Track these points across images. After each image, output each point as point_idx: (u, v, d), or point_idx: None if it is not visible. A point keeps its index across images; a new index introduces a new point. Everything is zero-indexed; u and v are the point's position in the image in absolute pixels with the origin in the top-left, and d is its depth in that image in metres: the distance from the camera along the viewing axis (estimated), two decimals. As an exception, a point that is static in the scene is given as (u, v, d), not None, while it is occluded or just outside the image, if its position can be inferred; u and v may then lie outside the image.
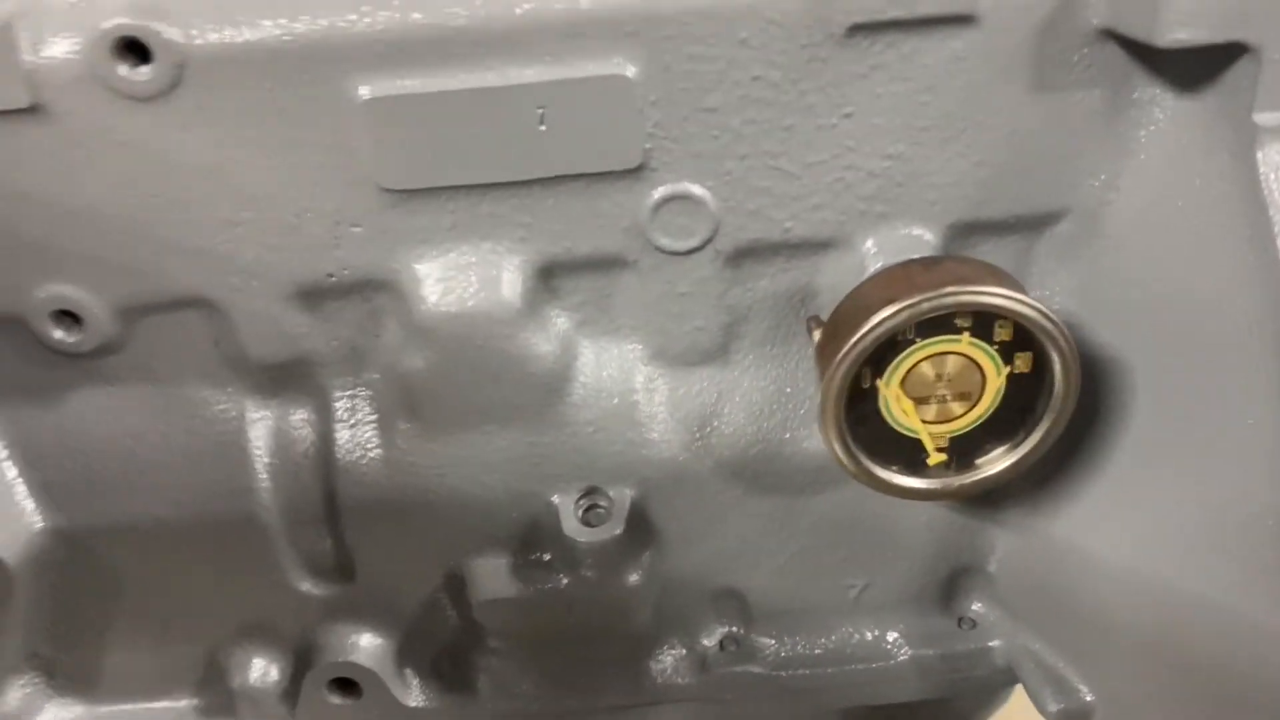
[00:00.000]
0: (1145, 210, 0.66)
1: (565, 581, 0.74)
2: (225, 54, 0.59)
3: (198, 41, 0.59)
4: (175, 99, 0.60)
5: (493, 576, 0.75)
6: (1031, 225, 0.69)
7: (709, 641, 0.81)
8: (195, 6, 0.59)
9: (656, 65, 0.61)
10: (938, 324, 0.60)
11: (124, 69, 0.59)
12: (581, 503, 0.72)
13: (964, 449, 0.64)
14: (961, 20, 0.61)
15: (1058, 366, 0.60)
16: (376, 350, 0.70)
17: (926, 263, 0.61)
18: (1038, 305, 0.58)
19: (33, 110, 0.60)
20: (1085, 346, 0.67)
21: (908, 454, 0.64)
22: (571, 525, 0.72)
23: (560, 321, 0.70)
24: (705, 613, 0.81)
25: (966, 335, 0.60)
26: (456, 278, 0.67)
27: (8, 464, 0.71)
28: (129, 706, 0.80)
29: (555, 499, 0.73)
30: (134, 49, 0.59)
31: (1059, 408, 0.62)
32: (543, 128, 0.62)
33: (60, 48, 0.59)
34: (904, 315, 0.57)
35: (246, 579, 0.75)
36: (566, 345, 0.71)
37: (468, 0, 0.59)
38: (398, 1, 0.59)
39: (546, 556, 0.75)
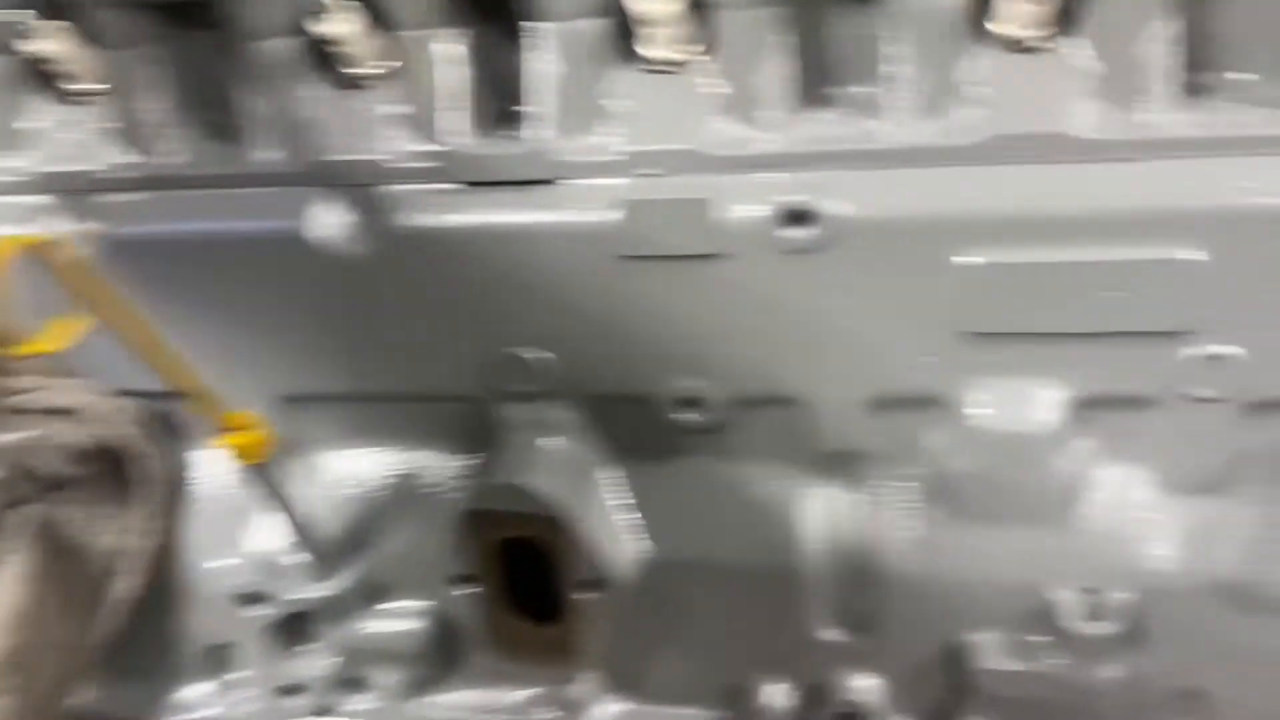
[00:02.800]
0: None
1: (1061, 664, 0.87)
2: (867, 225, 0.79)
3: (849, 214, 0.79)
4: (822, 255, 0.80)
5: (995, 649, 0.89)
6: None
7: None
8: (842, 189, 0.79)
9: (1223, 253, 0.75)
10: None
11: (791, 232, 0.80)
12: (1085, 598, 0.86)
13: None
14: None
15: None
16: (922, 451, 0.88)
17: None
18: None
19: (717, 256, 0.82)
20: None
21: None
22: (1073, 619, 0.85)
23: (1083, 445, 0.85)
24: (1171, 706, 0.91)
25: None
26: (1008, 402, 0.83)
27: (628, 507, 0.94)
28: (669, 710, 1.00)
29: (1057, 594, 0.87)
30: (799, 218, 0.80)
31: None
32: (1108, 294, 0.77)
33: (744, 213, 0.81)
34: None
35: (782, 620, 0.94)
36: (1085, 465, 0.85)
37: (1075, 193, 0.76)
38: (1006, 191, 0.77)
39: (1044, 639, 0.88)
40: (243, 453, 0.87)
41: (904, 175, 0.79)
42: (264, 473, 0.90)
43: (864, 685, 0.95)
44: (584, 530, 0.90)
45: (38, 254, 0.78)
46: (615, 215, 0.83)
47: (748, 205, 0.81)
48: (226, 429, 0.87)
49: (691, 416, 0.89)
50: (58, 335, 0.78)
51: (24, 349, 0.78)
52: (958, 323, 0.81)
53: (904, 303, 0.81)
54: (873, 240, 0.79)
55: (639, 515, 0.95)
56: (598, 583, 0.91)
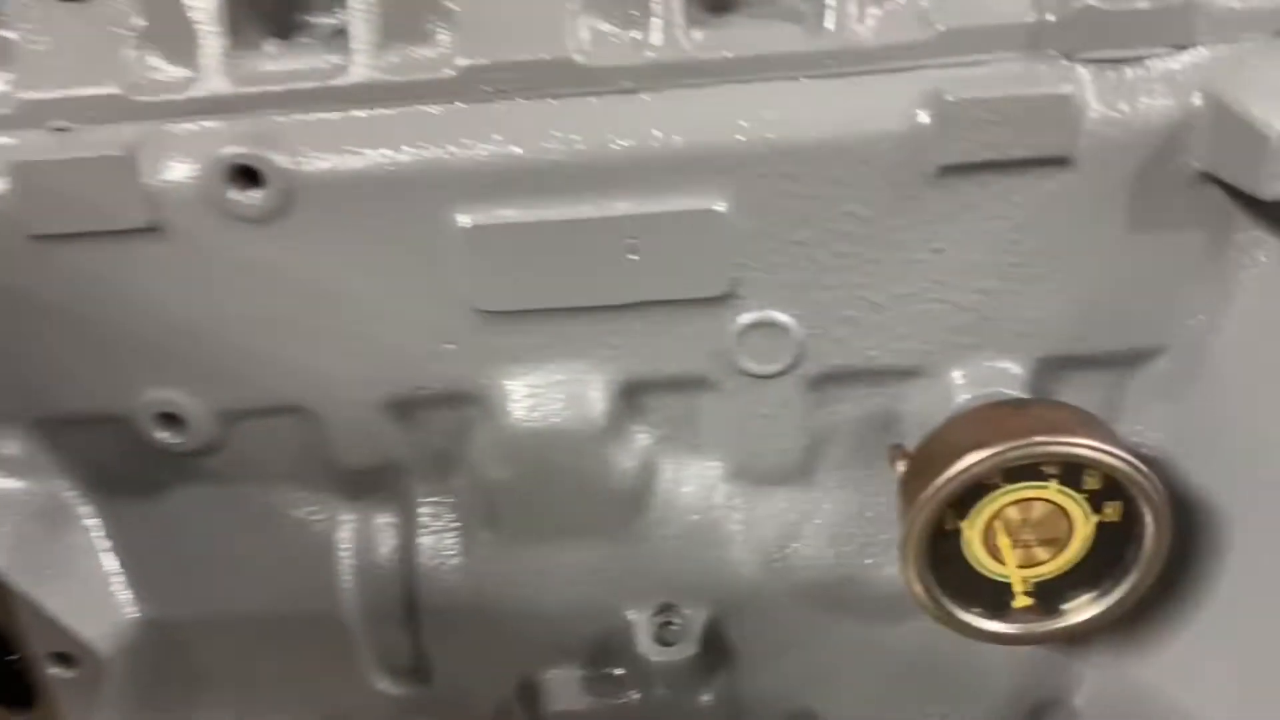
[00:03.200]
0: (1248, 350, 0.64)
1: (637, 698, 0.74)
2: (332, 181, 0.62)
3: (306, 169, 0.62)
4: (284, 222, 0.63)
5: (565, 688, 0.75)
6: (1125, 362, 0.67)
7: (784, 764, 0.81)
8: (306, 137, 0.62)
9: (748, 201, 0.62)
10: (1025, 470, 0.59)
11: (237, 193, 0.62)
12: (656, 619, 0.73)
13: (1049, 594, 0.63)
14: (1056, 162, 0.61)
15: (1149, 518, 0.59)
16: (463, 460, 0.72)
17: (1016, 406, 0.60)
18: (1130, 459, 0.57)
19: (151, 229, 0.63)
20: (1179, 488, 0.66)
21: (990, 596, 0.63)
22: (645, 643, 0.72)
23: (642, 438, 0.71)
24: (780, 733, 0.80)
25: (1054, 483, 0.59)
26: (544, 394, 0.68)
27: (107, 555, 0.74)
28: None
29: (630, 615, 0.73)
30: (247, 175, 0.62)
31: (1149, 560, 0.60)
32: (634, 257, 0.63)
33: (178, 172, 0.63)
34: (991, 463, 0.57)
35: (326, 676, 0.77)
36: (647, 462, 0.71)
37: (566, 136, 0.61)
38: (499, 136, 0.61)
39: (620, 671, 0.75)
40: None
41: (372, 117, 0.62)
42: None
43: (433, 743, 0.80)
44: (46, 594, 0.71)
45: None
46: (8, 184, 0.63)
47: (183, 162, 0.63)
48: None
49: (175, 437, 0.71)
50: None
51: None
52: (471, 300, 0.66)
53: (402, 278, 0.65)
54: (342, 200, 0.62)
55: (133, 563, 0.76)
56: (69, 657, 0.72)
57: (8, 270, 0.65)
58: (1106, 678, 0.74)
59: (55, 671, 0.72)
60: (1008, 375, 0.67)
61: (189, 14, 0.62)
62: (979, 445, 0.57)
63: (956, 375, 0.67)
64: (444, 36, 0.61)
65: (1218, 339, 0.65)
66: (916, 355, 0.67)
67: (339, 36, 0.64)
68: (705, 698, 0.74)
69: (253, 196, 0.62)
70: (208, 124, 0.63)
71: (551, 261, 0.64)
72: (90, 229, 0.63)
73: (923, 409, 0.68)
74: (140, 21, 0.62)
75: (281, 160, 0.61)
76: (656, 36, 0.61)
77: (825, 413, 0.70)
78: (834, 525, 0.72)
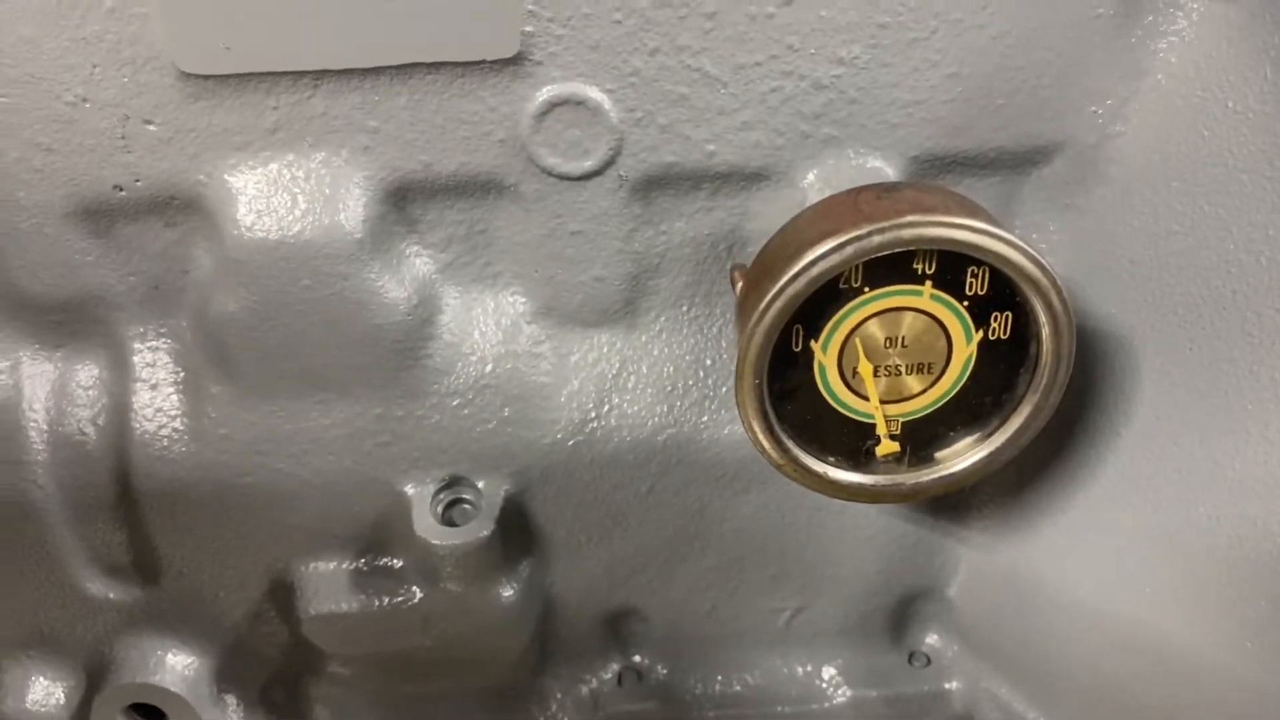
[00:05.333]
0: (1159, 145, 0.52)
1: (420, 595, 0.59)
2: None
3: None
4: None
5: (328, 585, 0.60)
6: (1015, 163, 0.55)
7: (604, 674, 0.67)
8: None
9: (541, -82, 0.47)
10: (893, 270, 0.46)
11: None
12: (442, 496, 0.58)
13: (922, 439, 0.50)
14: None
15: (1046, 331, 0.46)
16: (185, 290, 0.56)
17: (880, 190, 0.47)
18: (1024, 246, 0.45)
19: None
20: (1077, 318, 0.54)
21: (849, 442, 0.50)
22: (427, 524, 0.57)
23: (419, 262, 0.56)
24: (599, 639, 0.66)
25: (929, 286, 0.46)
26: (279, 195, 0.52)
27: None
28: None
29: (408, 489, 0.58)
30: None
31: (1045, 386, 0.47)
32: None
33: None
34: (848, 251, 0.43)
35: (21, 576, 0.60)
36: (426, 293, 0.56)
37: None
38: None
39: (396, 562, 0.60)
40: None
41: None
42: None
43: (166, 661, 0.64)
44: None
45: None
46: None
47: None
48: None
49: None
50: None
51: None
52: (173, 57, 0.47)
53: (75, 25, 0.47)
54: None
55: None
56: None
57: None
58: (987, 560, 0.63)
59: None
60: (877, 177, 0.53)
61: None
62: (832, 233, 0.44)
63: (812, 178, 0.53)
64: None
65: (1125, 131, 0.53)
66: (764, 151, 0.53)
67: None
68: (506, 593, 0.60)
69: None
70: None
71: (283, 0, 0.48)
72: None
73: (772, 225, 0.54)
74: None
75: None
76: None
77: (654, 231, 0.55)
78: (665, 376, 0.58)
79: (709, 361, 0.59)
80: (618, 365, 0.58)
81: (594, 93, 0.51)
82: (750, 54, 0.50)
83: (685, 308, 0.58)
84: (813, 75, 0.51)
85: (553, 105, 0.51)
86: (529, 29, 0.49)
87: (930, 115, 0.52)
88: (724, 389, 0.59)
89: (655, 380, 0.59)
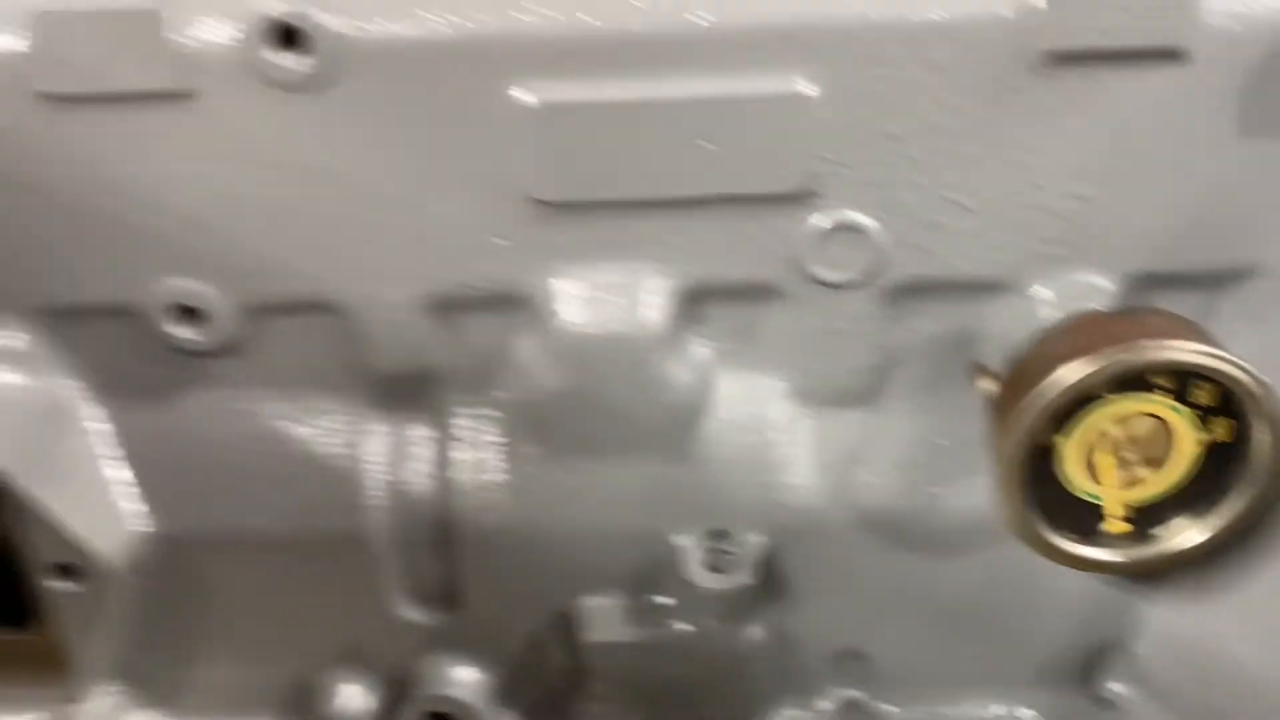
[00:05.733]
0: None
1: (682, 629, 0.70)
2: (386, 48, 0.57)
3: (358, 33, 0.56)
4: (329, 91, 0.57)
5: (606, 617, 0.70)
6: (1219, 280, 0.63)
7: (828, 705, 0.76)
8: (356, -3, 0.57)
9: (838, 85, 0.57)
10: (1130, 380, 0.55)
11: (279, 57, 0.57)
12: (707, 546, 0.68)
13: (1147, 520, 0.59)
14: (1169, 55, 0.56)
15: (1264, 436, 0.55)
16: (506, 368, 0.67)
17: (1122, 313, 0.56)
18: (1247, 367, 0.53)
19: (177, 95, 0.57)
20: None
21: (1081, 519, 0.59)
22: (695, 570, 0.67)
23: (701, 350, 0.66)
24: (826, 674, 0.75)
25: (1161, 395, 0.55)
26: (600, 297, 0.63)
27: (114, 462, 0.68)
28: (220, 723, 0.77)
29: (680, 540, 0.69)
30: (291, 38, 0.57)
31: (1260, 483, 0.56)
32: (709, 145, 0.59)
33: (213, 32, 0.57)
34: (1101, 372, 0.52)
35: (347, 600, 0.71)
36: (705, 375, 0.66)
37: (643, 6, 0.56)
38: (570, 3, 0.56)
39: (665, 601, 0.70)
40: None
41: (430, -23, 0.57)
42: None
43: (461, 677, 0.75)
44: (44, 498, 0.65)
45: None
46: (23, 37, 0.57)
47: (218, 18, 0.57)
48: None
49: (192, 333, 0.65)
50: None
51: None
52: (529, 188, 0.60)
53: (454, 161, 0.59)
54: (396, 70, 0.57)
55: (140, 470, 0.69)
56: (74, 569, 0.67)
57: (14, 135, 0.59)
58: (1177, 621, 0.71)
59: (56, 584, 0.66)
60: (1096, 290, 0.62)
61: None
62: (1085, 352, 0.53)
63: (1042, 290, 0.63)
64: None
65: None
66: (1003, 266, 0.62)
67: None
68: (754, 632, 0.70)
69: (295, 61, 0.57)
70: (244, -22, 0.57)
71: (619, 147, 0.58)
72: (108, 90, 0.57)
73: (1004, 327, 0.63)
74: None
75: (330, 21, 0.56)
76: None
77: (901, 329, 0.65)
78: (902, 452, 0.68)
79: (942, 441, 0.68)
80: (861, 441, 0.68)
81: (866, 220, 0.61)
82: (1000, 190, 0.60)
83: (923, 394, 0.67)
84: (1051, 207, 0.60)
85: (831, 230, 0.61)
86: (819, 170, 0.59)
87: (1149, 242, 0.61)
88: (954, 465, 0.68)
89: (894, 456, 0.68)
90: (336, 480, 0.69)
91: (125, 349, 0.66)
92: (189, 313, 0.64)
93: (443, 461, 0.69)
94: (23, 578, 0.67)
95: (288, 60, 0.57)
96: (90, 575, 0.67)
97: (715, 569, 0.67)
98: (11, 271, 0.63)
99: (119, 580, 0.68)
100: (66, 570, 0.66)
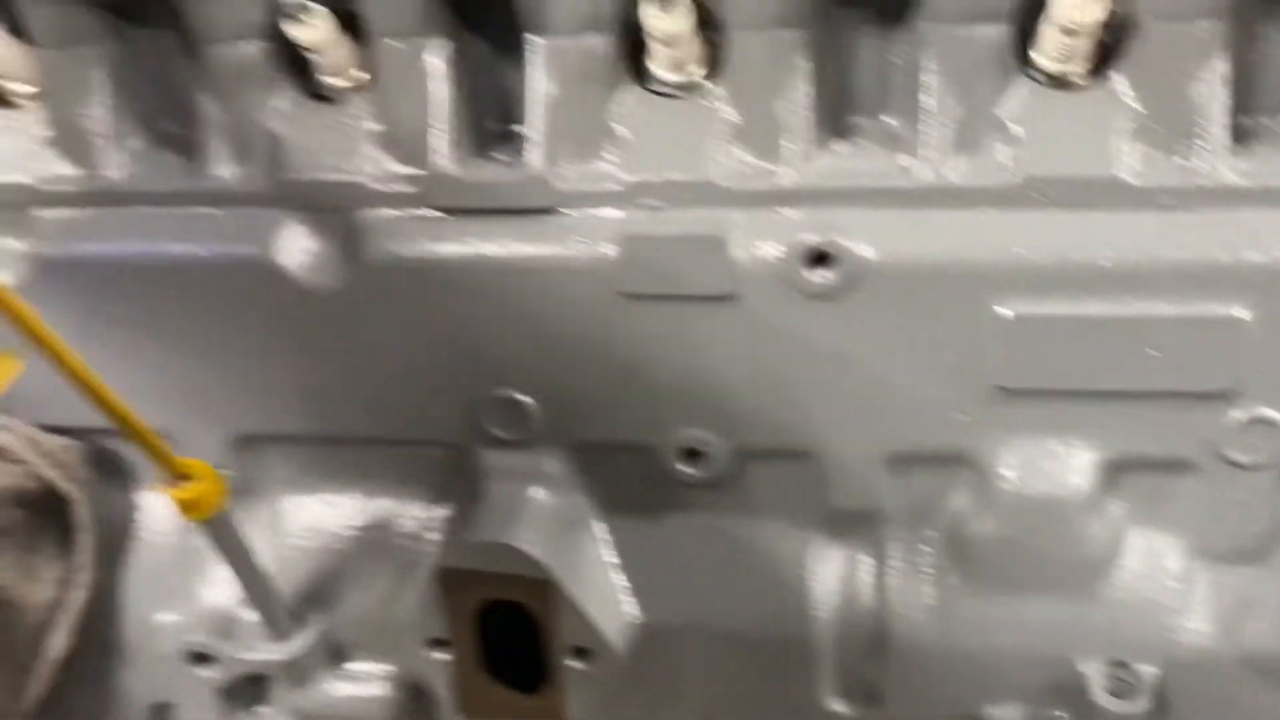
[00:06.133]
0: None
1: (1079, 745, 0.82)
2: (895, 269, 0.72)
3: (874, 257, 0.72)
4: (845, 301, 0.73)
5: (1004, 728, 0.84)
6: None
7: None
8: (873, 228, 0.73)
9: (1269, 312, 0.69)
10: None
11: (811, 274, 0.73)
12: (1109, 673, 0.80)
13: None
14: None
15: None
16: (941, 511, 0.81)
17: None
18: None
19: (728, 298, 0.75)
20: None
21: None
22: (1099, 694, 0.79)
23: (1116, 509, 0.79)
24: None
25: None
26: (1038, 465, 0.77)
27: (614, 565, 0.86)
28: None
29: (1083, 668, 0.81)
30: (822, 259, 0.73)
31: None
32: (1154, 352, 0.72)
33: (764, 252, 0.74)
34: None
35: (785, 692, 0.87)
36: (1117, 530, 0.79)
37: (1116, 243, 0.70)
38: (1053, 241, 0.71)
39: (1063, 715, 0.82)
40: (190, 508, 0.78)
41: (934, 216, 0.72)
42: (214, 527, 0.81)
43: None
44: (573, 593, 0.82)
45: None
46: (617, 250, 0.75)
47: (766, 243, 0.74)
48: (173, 478, 0.78)
49: (693, 469, 0.82)
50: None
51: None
52: (996, 378, 0.75)
53: (933, 354, 0.75)
54: (899, 285, 0.73)
55: (632, 576, 0.87)
56: (588, 652, 0.84)
57: (599, 319, 0.77)
58: None
59: (572, 664, 0.84)
60: None
61: (777, 115, 0.74)
62: None
63: None
64: (1002, 149, 0.71)
65: None
66: None
67: (891, 139, 0.74)
68: (1145, 750, 0.82)
69: (824, 276, 0.73)
70: (785, 212, 0.74)
71: (1078, 350, 0.72)
72: (676, 293, 0.75)
73: None
74: (733, 119, 0.74)
75: (856, 248, 0.72)
76: (1200, 163, 0.69)
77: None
78: (1288, 605, 0.79)
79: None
80: (1252, 594, 0.79)
81: (1275, 415, 0.73)
82: None
83: None
84: None
85: (1248, 423, 0.73)
86: (1242, 375, 0.71)
87: None
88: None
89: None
90: (790, 593, 0.84)
91: (635, 477, 0.84)
92: (693, 454, 0.82)
93: (880, 585, 0.84)
94: (543, 652, 0.85)
95: (817, 276, 0.73)
96: (599, 657, 0.84)
97: (1116, 695, 0.79)
98: (568, 413, 0.82)
99: (619, 664, 0.85)
100: (581, 652, 0.84)
